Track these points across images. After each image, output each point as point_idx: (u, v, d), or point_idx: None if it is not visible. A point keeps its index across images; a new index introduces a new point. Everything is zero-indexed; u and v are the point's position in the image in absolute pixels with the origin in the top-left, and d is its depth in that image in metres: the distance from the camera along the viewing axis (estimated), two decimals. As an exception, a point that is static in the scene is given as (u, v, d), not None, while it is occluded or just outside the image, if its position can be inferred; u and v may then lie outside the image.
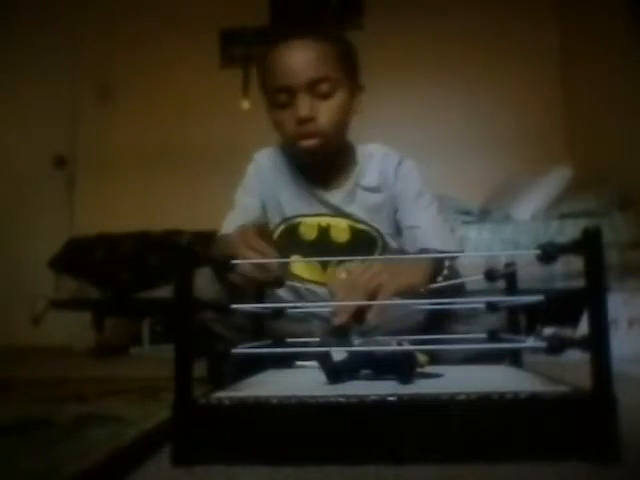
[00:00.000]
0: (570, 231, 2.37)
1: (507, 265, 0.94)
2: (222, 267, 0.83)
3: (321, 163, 1.27)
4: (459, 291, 1.07)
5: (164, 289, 2.49)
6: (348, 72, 1.21)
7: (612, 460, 0.59)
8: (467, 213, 2.61)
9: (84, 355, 2.72)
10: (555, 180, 2.71)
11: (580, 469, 0.59)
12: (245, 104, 3.61)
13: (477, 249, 2.43)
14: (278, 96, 1.17)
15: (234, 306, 0.80)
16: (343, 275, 0.97)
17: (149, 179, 3.65)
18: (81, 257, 2.83)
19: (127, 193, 3.64)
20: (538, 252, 0.69)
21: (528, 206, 2.60)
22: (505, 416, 0.61)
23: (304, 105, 1.15)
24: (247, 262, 0.97)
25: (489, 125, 3.40)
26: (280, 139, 1.28)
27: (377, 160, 1.30)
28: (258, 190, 1.32)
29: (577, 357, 0.66)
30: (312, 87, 1.15)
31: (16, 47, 3.77)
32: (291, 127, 1.18)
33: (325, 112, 1.17)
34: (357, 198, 1.28)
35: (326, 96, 1.17)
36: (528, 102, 3.38)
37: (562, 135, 3.36)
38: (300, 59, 1.15)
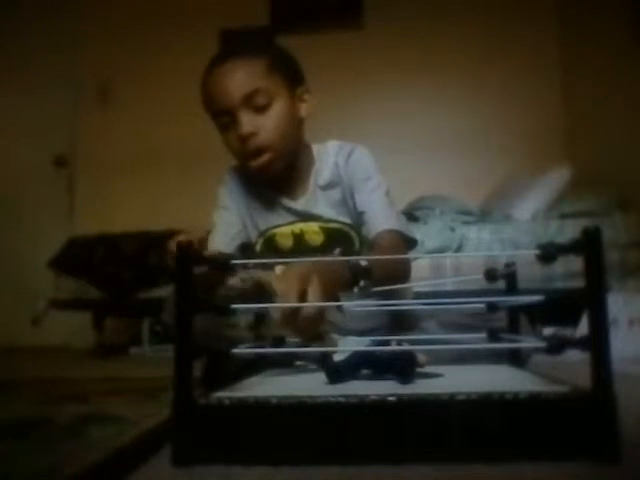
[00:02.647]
0: (570, 231, 2.37)
1: (507, 265, 0.94)
2: (222, 267, 0.83)
3: (279, 174, 1.26)
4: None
5: (164, 289, 2.49)
6: (283, 80, 1.21)
7: (612, 460, 0.59)
8: (467, 213, 2.61)
9: (84, 355, 2.72)
10: (555, 180, 2.71)
11: (580, 469, 0.59)
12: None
13: (477, 249, 2.43)
14: (221, 119, 1.21)
15: (234, 306, 0.80)
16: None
17: (149, 179, 3.65)
18: (81, 257, 2.83)
19: (127, 193, 3.64)
20: (538, 252, 0.69)
21: (528, 206, 2.60)
22: (505, 416, 0.61)
23: (243, 122, 1.16)
24: (247, 262, 0.97)
25: (489, 125, 3.40)
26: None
27: (331, 155, 1.30)
28: (235, 207, 1.34)
29: (577, 357, 0.66)
30: (247, 103, 1.16)
31: (16, 47, 3.77)
32: (237, 146, 1.20)
33: (266, 125, 1.18)
34: (319, 199, 1.29)
35: (263, 108, 1.18)
36: (528, 102, 3.38)
37: (562, 135, 3.36)
38: (228, 79, 1.17)
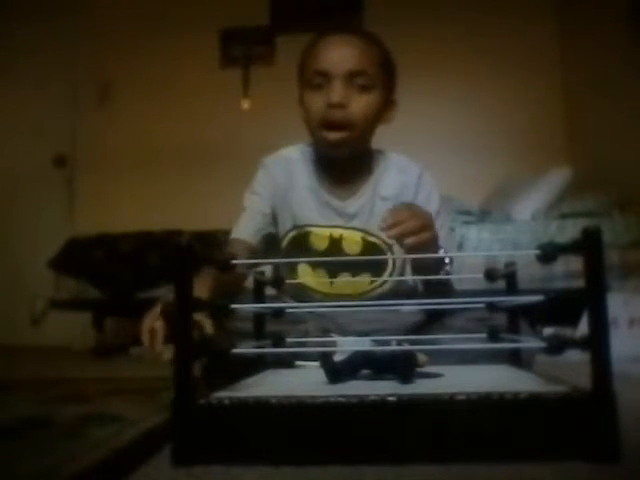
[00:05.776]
0: (570, 231, 2.37)
1: (507, 265, 0.94)
2: (222, 267, 0.83)
3: (341, 164, 1.25)
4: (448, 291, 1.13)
5: (164, 289, 2.49)
6: (385, 78, 1.23)
7: (612, 460, 0.59)
8: (467, 213, 2.61)
9: (84, 355, 2.72)
10: (555, 180, 2.72)
11: (580, 469, 0.59)
12: (245, 104, 3.61)
13: (477, 249, 2.43)
14: (315, 78, 1.19)
15: (234, 306, 0.80)
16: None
17: (149, 179, 3.64)
18: (81, 257, 2.83)
19: (127, 193, 3.64)
20: (538, 252, 0.69)
21: (528, 206, 2.60)
22: (505, 416, 0.61)
23: (338, 91, 1.16)
24: (248, 262, 0.97)
25: (489, 125, 3.40)
26: (305, 129, 1.26)
27: (397, 169, 1.29)
28: (269, 196, 1.29)
29: (577, 357, 0.66)
30: (349, 78, 1.17)
31: (16, 47, 3.76)
32: (320, 110, 1.18)
33: (357, 103, 1.18)
34: (375, 207, 1.25)
35: (361, 90, 1.18)
36: (528, 102, 3.38)
37: (562, 135, 3.36)
38: (343, 50, 1.18)
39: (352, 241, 1.24)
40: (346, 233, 1.24)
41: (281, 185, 1.29)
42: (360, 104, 1.18)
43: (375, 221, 1.20)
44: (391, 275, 1.24)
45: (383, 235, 1.20)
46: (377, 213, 1.22)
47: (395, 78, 1.28)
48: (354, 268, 1.22)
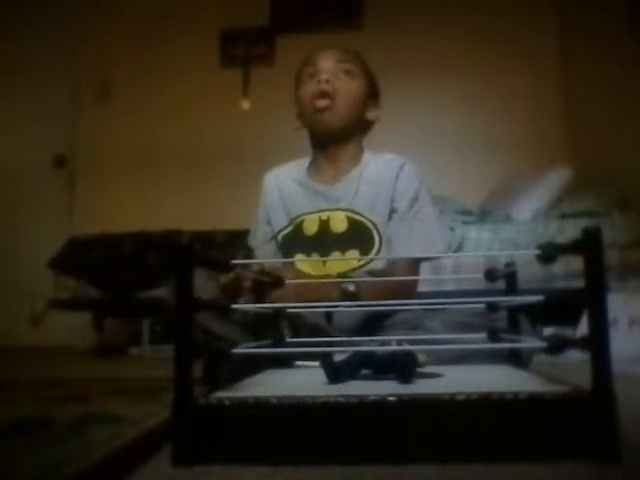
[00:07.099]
0: (570, 231, 2.37)
1: (507, 265, 0.94)
2: (222, 267, 0.83)
3: (332, 151, 1.38)
4: None
5: (164, 289, 2.49)
6: (369, 81, 1.40)
7: (612, 460, 0.59)
8: (467, 213, 2.61)
9: (84, 355, 2.72)
10: (555, 180, 2.71)
11: (580, 469, 0.59)
12: (245, 104, 3.61)
13: (477, 249, 2.43)
14: (307, 69, 1.37)
15: (234, 306, 0.80)
16: None
17: (149, 179, 3.64)
18: (81, 257, 2.83)
19: (127, 193, 3.64)
20: (538, 252, 0.69)
21: (528, 206, 2.60)
22: (505, 416, 0.61)
23: (326, 72, 1.34)
24: (249, 262, 0.98)
25: (489, 125, 3.40)
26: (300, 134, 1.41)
27: (382, 161, 1.40)
28: (266, 211, 1.43)
29: (577, 357, 0.66)
30: (336, 64, 1.35)
31: (16, 47, 3.76)
32: (311, 90, 1.34)
33: (342, 83, 1.34)
34: (359, 190, 1.36)
35: (346, 74, 1.35)
36: (528, 102, 3.38)
37: (562, 135, 3.36)
38: (332, 50, 1.39)
39: (338, 220, 1.34)
40: (332, 214, 1.35)
41: (275, 194, 1.43)
42: (344, 84, 1.34)
43: (359, 202, 1.34)
44: (379, 251, 1.32)
45: (367, 214, 1.33)
46: (361, 195, 1.35)
47: (378, 89, 1.44)
48: (342, 245, 1.31)
